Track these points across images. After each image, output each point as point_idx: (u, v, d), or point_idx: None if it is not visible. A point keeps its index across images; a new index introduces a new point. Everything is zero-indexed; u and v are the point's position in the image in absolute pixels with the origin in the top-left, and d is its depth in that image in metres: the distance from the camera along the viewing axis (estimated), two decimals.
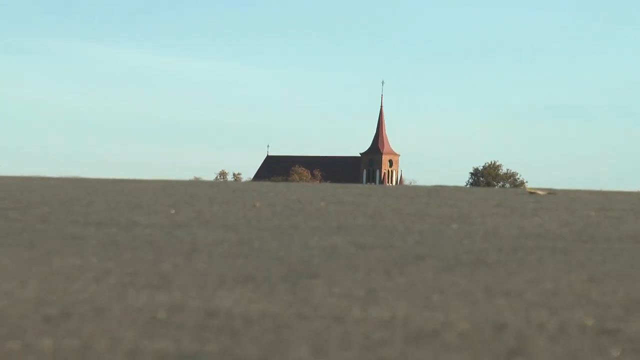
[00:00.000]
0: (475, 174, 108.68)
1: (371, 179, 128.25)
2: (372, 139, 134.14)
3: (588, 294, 3.86)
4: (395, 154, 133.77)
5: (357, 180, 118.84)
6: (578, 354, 2.75)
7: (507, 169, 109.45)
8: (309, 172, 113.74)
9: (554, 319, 3.28)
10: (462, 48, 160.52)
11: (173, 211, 8.47)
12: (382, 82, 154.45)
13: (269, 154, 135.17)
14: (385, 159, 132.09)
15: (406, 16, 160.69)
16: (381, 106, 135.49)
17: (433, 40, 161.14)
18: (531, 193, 14.56)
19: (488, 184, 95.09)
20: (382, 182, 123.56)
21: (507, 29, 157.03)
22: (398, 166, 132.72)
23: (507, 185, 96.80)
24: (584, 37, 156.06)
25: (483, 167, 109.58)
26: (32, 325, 3.03)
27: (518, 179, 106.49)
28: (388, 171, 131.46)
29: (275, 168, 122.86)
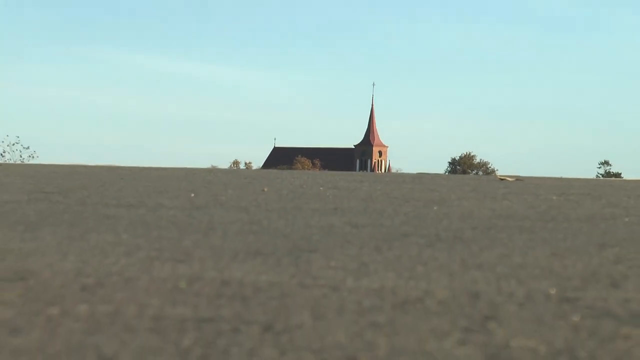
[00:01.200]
0: (453, 163, 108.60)
1: (363, 167, 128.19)
2: (364, 132, 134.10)
3: (551, 267, 3.84)
4: (384, 146, 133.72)
5: (351, 168, 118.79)
6: (543, 319, 2.73)
7: (480, 159, 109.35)
8: (310, 161, 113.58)
9: (522, 289, 3.26)
10: (442, 57, 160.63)
11: (193, 195, 8.45)
12: (373, 84, 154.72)
13: (276, 146, 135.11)
14: (375, 150, 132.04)
15: (394, 29, 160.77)
16: (372, 104, 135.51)
17: (418, 49, 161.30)
18: (501, 179, 14.56)
19: (464, 172, 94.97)
20: (372, 170, 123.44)
21: (481, 41, 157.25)
22: (387, 156, 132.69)
23: (480, 173, 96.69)
24: (543, 49, 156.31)
25: (459, 157, 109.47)
26: (71, 293, 3.01)
27: (490, 167, 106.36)
28: (378, 161, 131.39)
29: (281, 158, 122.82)
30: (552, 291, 3.22)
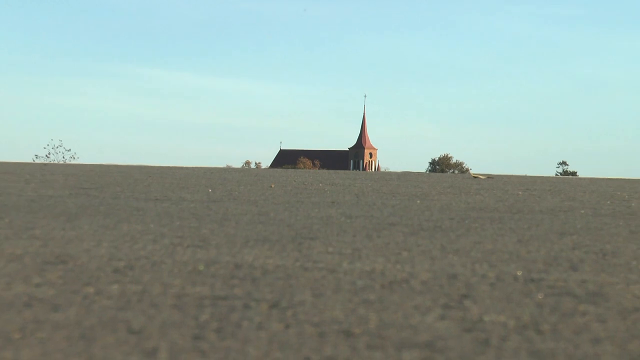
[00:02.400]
0: (433, 163, 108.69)
1: (356, 167, 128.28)
2: (357, 137, 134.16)
3: (518, 252, 3.83)
4: (374, 148, 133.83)
5: (345, 168, 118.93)
6: (511, 297, 2.72)
7: (456, 159, 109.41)
8: (311, 161, 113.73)
9: (493, 271, 3.25)
10: (425, 71, 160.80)
11: (210, 190, 8.44)
12: (365, 96, 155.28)
13: (282, 148, 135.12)
14: (366, 152, 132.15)
15: (382, 47, 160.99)
16: (364, 113, 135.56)
17: (403, 64, 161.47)
18: (474, 177, 14.54)
19: (442, 171, 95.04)
20: (364, 169, 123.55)
21: (458, 57, 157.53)
22: (376, 157, 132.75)
23: (456, 171, 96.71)
24: (510, 64, 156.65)
25: (438, 158, 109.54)
26: (104, 274, 3.00)
27: (464, 166, 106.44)
28: (369, 161, 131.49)
29: (286, 159, 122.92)
30: (519, 273, 3.21)
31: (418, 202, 7.27)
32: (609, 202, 7.66)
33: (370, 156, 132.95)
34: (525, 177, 14.88)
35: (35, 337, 2.08)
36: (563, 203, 7.47)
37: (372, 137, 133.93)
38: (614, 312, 2.51)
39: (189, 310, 2.42)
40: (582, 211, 6.53)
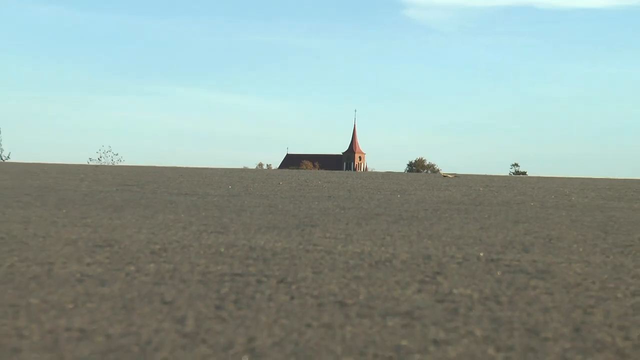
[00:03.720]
0: (410, 164, 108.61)
1: (348, 168, 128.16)
2: (349, 144, 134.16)
3: (480, 237, 3.81)
4: (363, 153, 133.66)
5: (339, 168, 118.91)
6: (475, 274, 2.70)
7: (429, 162, 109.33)
8: (312, 164, 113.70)
9: (460, 252, 3.23)
10: (403, 89, 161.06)
11: (230, 186, 8.42)
12: (355, 110, 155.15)
13: (288, 153, 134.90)
14: (356, 156, 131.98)
15: (369, 71, 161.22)
16: (354, 123, 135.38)
17: (386, 85, 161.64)
18: (444, 176, 14.52)
19: (417, 171, 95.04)
20: (354, 170, 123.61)
21: (430, 77, 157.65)
22: (365, 160, 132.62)
23: (429, 171, 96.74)
24: (473, 83, 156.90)
25: (415, 160, 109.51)
26: (143, 255, 2.98)
27: (436, 167, 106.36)
28: (358, 163, 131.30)
29: (292, 161, 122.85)
30: (481, 254, 3.19)
31: (398, 196, 7.26)
32: (553, 197, 7.65)
33: (360, 159, 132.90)
34: (485, 175, 14.87)
35: (86, 307, 2.05)
36: (516, 197, 7.45)
37: (361, 143, 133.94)
38: (559, 287, 2.49)
39: (212, 285, 2.40)
40: (532, 204, 6.51)
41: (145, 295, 2.22)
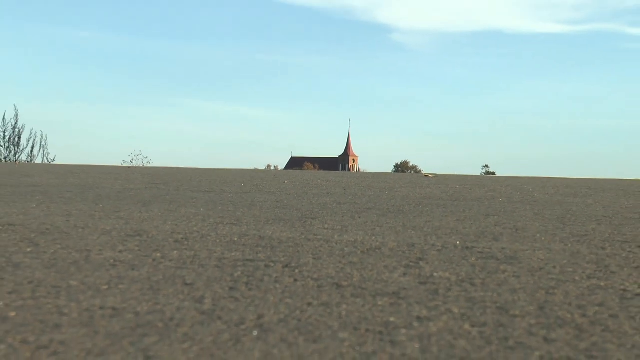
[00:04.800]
0: (396, 166, 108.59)
1: (343, 169, 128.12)
2: (344, 148, 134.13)
3: (457, 228, 3.80)
4: (356, 156, 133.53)
5: (336, 169, 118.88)
6: (452, 259, 2.68)
7: (412, 164, 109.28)
8: (312, 165, 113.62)
9: (439, 241, 3.21)
10: (390, 101, 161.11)
11: (242, 185, 8.40)
12: (349, 119, 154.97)
13: (292, 156, 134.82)
14: (350, 158, 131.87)
15: (361, 85, 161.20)
16: (349, 130, 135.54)
17: (376, 97, 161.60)
18: (426, 176, 14.50)
19: (402, 172, 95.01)
20: (349, 170, 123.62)
21: (414, 91, 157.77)
22: (357, 162, 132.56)
23: (413, 172, 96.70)
24: (452, 96, 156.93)
25: (400, 162, 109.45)
26: (168, 244, 2.96)
27: (418, 168, 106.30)
28: (352, 165, 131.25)
29: (295, 163, 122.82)
30: (458, 243, 3.17)
31: (387, 193, 7.24)
32: (519, 193, 7.63)
33: (353, 161, 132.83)
34: (460, 175, 14.85)
35: (118, 288, 2.03)
36: (487, 194, 7.43)
37: (354, 147, 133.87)
38: (525, 270, 2.47)
39: (226, 269, 2.38)
40: (500, 199, 6.49)
41: (169, 278, 2.20)
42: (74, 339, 1.52)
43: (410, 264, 2.57)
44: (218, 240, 3.10)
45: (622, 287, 2.21)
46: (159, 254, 2.67)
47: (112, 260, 2.51)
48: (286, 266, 2.47)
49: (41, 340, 1.50)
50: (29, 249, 2.74)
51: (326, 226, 3.78)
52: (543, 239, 3.41)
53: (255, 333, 1.59)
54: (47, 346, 1.46)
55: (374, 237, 3.32)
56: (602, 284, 2.26)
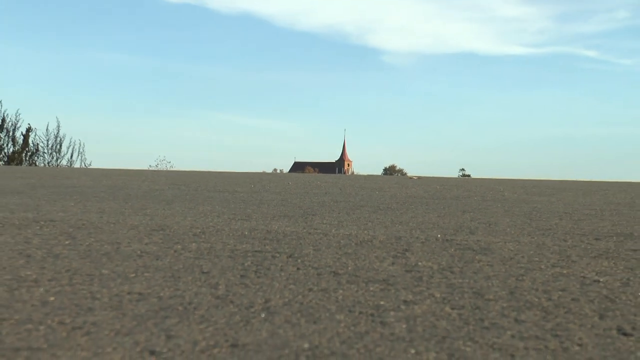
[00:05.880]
0: (385, 169, 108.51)
1: (339, 172, 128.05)
2: (340, 153, 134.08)
3: (438, 223, 3.78)
4: (350, 161, 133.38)
5: (333, 172, 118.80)
6: (435, 250, 2.66)
7: (399, 167, 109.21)
8: (313, 169, 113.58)
9: (423, 234, 3.20)
10: (380, 113, 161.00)
11: (252, 185, 8.37)
12: (345, 130, 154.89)
13: (295, 161, 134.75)
14: (346, 163, 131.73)
15: (355, 99, 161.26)
16: (344, 138, 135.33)
17: (368, 110, 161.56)
18: (411, 178, 14.47)
19: (390, 174, 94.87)
20: (344, 173, 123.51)
21: (400, 105, 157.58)
22: (352, 166, 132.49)
23: (399, 174, 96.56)
24: (431, 108, 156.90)
25: (388, 166, 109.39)
26: (187, 237, 2.94)
27: (404, 171, 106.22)
28: (347, 168, 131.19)
29: (298, 167, 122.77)
30: (439, 236, 3.15)
31: (377, 192, 7.22)
32: (491, 193, 7.61)
33: (348, 165, 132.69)
34: (440, 177, 14.83)
35: (144, 276, 2.02)
36: (463, 193, 7.41)
37: (349, 153, 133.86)
38: (497, 260, 2.45)
39: (238, 259, 2.36)
40: (475, 198, 6.47)
41: (188, 267, 2.18)
42: (104, 320, 1.50)
43: (398, 254, 2.55)
44: (231, 234, 3.08)
45: (582, 274, 2.20)
46: (179, 246, 2.65)
47: (138, 252, 2.49)
48: (290, 256, 2.45)
49: (76, 322, 1.48)
50: (67, 242, 2.72)
51: (325, 221, 3.76)
52: (513, 232, 3.39)
53: (263, 315, 1.58)
54: (81, 327, 1.44)
55: (366, 231, 3.30)
56: (565, 271, 2.24)
